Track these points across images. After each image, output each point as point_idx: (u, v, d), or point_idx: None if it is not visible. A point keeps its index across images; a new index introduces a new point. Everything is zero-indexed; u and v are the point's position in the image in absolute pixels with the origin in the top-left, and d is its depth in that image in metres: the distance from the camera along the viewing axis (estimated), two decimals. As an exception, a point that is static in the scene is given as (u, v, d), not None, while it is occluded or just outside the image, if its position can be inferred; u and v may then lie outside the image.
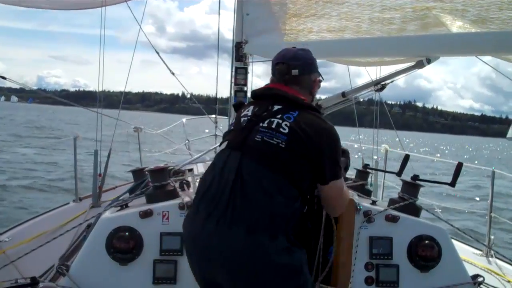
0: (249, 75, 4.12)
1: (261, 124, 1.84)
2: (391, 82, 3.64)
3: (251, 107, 1.95)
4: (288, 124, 1.80)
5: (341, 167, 1.93)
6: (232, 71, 4.07)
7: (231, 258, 1.70)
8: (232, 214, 1.70)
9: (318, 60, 2.13)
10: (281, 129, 1.80)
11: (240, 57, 3.90)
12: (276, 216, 1.71)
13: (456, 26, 3.05)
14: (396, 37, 3.28)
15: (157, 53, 4.97)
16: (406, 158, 2.89)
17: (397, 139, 5.58)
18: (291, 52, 2.01)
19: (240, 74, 4.01)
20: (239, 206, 1.71)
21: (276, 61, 2.00)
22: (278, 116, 1.83)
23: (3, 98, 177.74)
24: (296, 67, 1.97)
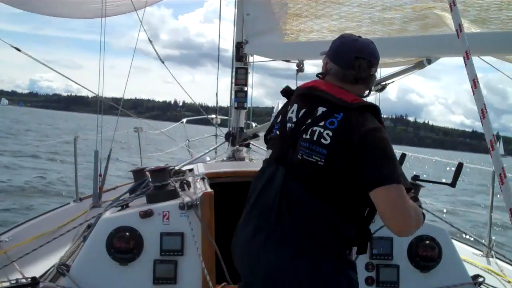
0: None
1: (303, 136, 1.71)
2: (392, 82, 3.63)
3: (295, 107, 1.80)
4: (331, 133, 1.65)
5: (397, 171, 1.62)
6: (232, 71, 4.08)
7: (275, 278, 1.67)
8: (281, 233, 1.67)
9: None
10: (322, 140, 1.65)
11: (240, 57, 3.91)
12: (324, 242, 1.66)
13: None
14: (396, 37, 3.27)
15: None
16: (403, 157, 2.89)
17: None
18: (368, 47, 1.80)
19: (240, 74, 4.02)
20: (287, 227, 1.67)
21: (357, 54, 1.75)
22: (321, 124, 1.69)
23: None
24: (375, 65, 1.81)
